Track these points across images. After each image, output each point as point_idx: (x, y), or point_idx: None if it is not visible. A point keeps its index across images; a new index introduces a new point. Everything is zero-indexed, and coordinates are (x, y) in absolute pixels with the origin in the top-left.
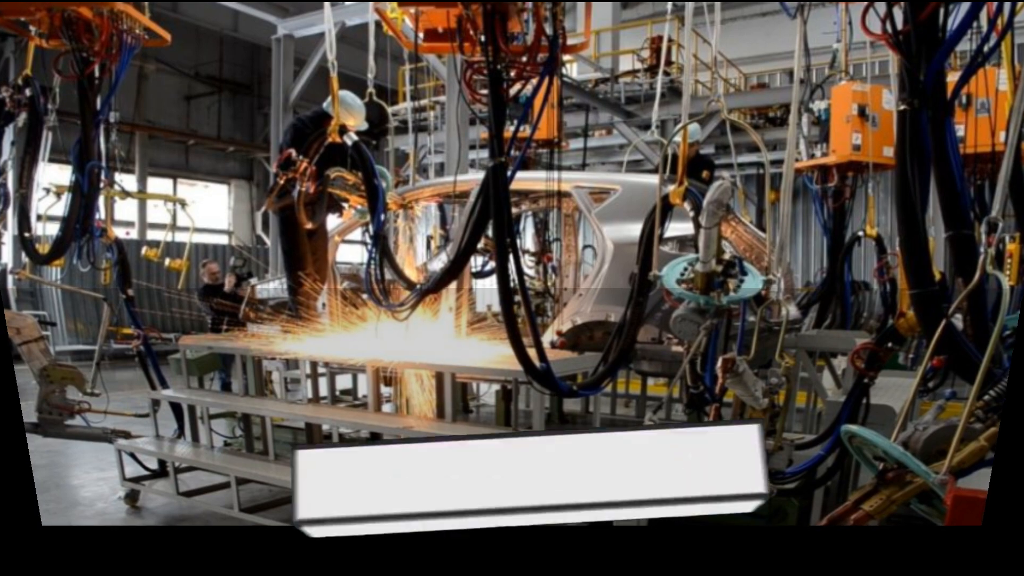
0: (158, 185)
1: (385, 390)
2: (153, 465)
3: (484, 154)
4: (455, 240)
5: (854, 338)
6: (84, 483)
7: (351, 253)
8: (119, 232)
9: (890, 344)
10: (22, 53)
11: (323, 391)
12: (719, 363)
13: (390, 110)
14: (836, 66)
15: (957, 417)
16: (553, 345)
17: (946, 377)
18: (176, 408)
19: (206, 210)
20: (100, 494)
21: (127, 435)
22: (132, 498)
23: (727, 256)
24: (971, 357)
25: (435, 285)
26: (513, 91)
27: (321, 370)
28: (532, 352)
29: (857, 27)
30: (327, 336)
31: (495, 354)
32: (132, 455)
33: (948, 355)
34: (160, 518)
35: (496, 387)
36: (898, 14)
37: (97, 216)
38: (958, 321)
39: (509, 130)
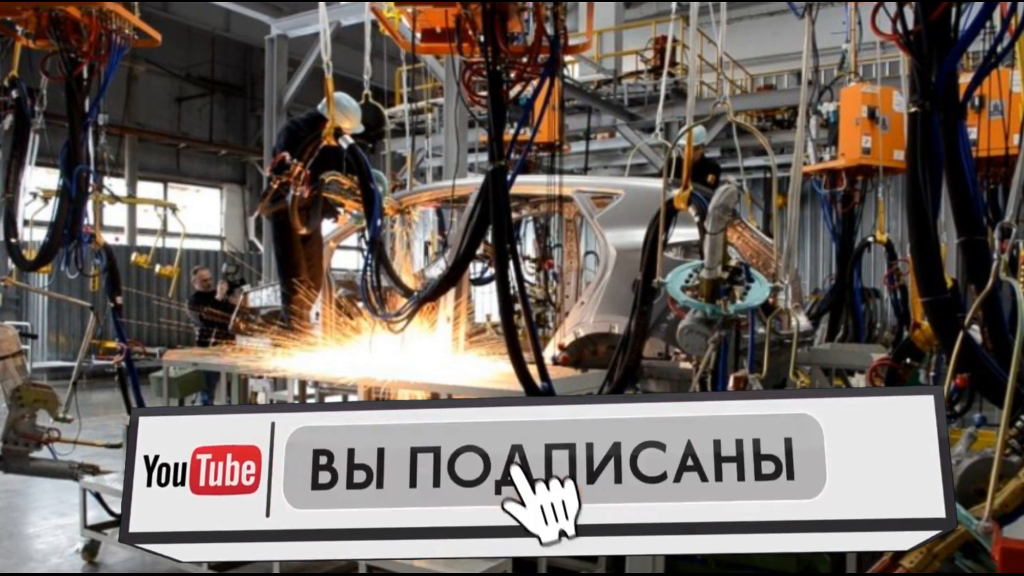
0: (148, 189)
1: None
2: (120, 508)
3: (483, 158)
4: (453, 246)
5: (870, 353)
6: (41, 531)
7: (346, 259)
8: (108, 238)
9: (908, 360)
10: (8, 54)
11: None
12: (731, 382)
13: (387, 112)
14: (845, 67)
15: (991, 448)
16: (555, 361)
17: (972, 399)
18: None
19: (197, 215)
20: (56, 546)
21: (95, 470)
22: (91, 552)
23: (733, 262)
24: (996, 375)
25: (433, 292)
26: (513, 93)
27: (310, 390)
28: (533, 369)
29: (867, 27)
30: (318, 351)
31: (494, 371)
32: (98, 496)
33: (971, 373)
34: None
35: None
36: (909, 14)
37: (85, 221)
38: (975, 333)
39: (509, 133)
